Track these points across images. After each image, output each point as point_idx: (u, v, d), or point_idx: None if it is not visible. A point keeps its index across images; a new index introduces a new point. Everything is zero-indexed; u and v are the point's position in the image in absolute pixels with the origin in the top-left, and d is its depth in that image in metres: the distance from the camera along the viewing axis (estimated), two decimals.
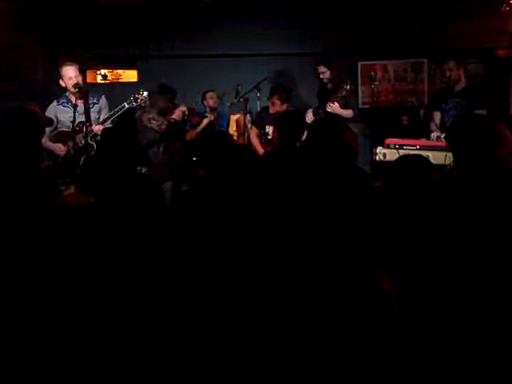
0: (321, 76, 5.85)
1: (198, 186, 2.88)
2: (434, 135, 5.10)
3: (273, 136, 4.29)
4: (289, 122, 3.84)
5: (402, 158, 2.62)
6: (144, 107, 5.17)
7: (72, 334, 1.75)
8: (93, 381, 1.68)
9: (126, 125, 4.98)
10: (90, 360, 1.71)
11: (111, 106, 4.73)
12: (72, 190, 3.43)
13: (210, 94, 6.42)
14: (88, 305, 1.87)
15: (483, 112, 4.96)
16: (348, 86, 5.46)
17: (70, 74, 4.59)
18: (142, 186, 3.26)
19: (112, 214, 2.66)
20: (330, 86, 5.83)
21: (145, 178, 4.16)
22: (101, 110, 4.72)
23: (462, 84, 5.24)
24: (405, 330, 1.48)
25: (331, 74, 5.81)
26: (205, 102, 6.45)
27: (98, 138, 4.64)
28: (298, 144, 3.63)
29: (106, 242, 2.32)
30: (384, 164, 4.92)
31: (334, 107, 5.52)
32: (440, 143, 4.79)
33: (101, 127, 4.53)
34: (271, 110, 5.74)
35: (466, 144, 2.62)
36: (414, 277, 2.04)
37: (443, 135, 4.92)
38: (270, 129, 5.68)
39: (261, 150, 5.63)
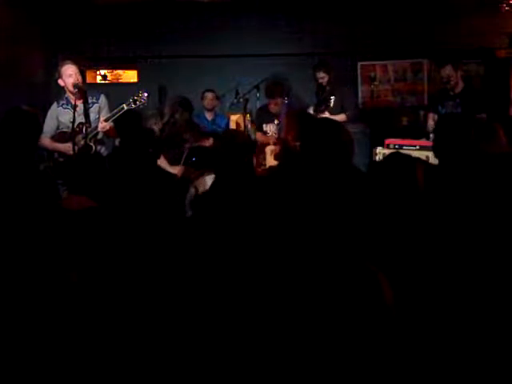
0: (320, 81, 5.86)
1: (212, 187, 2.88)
2: (433, 136, 5.10)
3: (286, 137, 4.23)
4: (308, 121, 3.83)
5: (388, 156, 2.64)
6: (152, 115, 5.20)
7: (78, 337, 1.76)
8: (93, 381, 1.69)
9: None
10: (92, 360, 1.72)
11: (111, 107, 4.72)
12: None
13: (206, 94, 6.42)
14: (92, 305, 1.87)
15: (483, 116, 4.97)
16: (332, 102, 5.48)
17: (69, 72, 4.57)
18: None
19: (130, 212, 2.68)
20: (328, 88, 5.84)
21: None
22: (100, 109, 4.70)
23: (460, 86, 5.24)
24: (403, 328, 1.48)
25: (330, 77, 5.83)
26: (203, 101, 6.47)
27: (100, 136, 4.64)
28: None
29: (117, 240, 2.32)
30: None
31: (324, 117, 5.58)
32: None
33: (105, 124, 4.52)
34: (274, 110, 5.77)
35: (447, 141, 2.67)
36: (411, 275, 2.05)
37: None
38: (267, 127, 5.78)
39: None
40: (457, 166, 2.69)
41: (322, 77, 5.83)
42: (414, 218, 2.30)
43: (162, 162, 5.00)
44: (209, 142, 5.79)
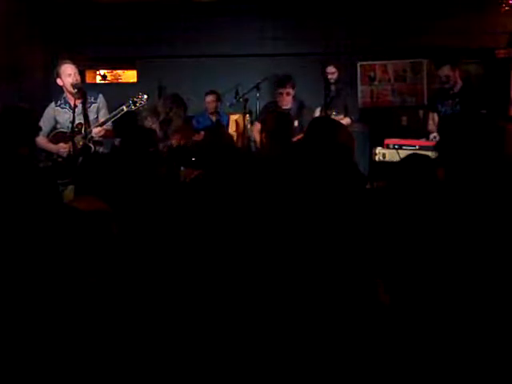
0: (329, 76, 5.79)
1: (195, 185, 2.88)
2: (432, 136, 5.11)
3: (261, 136, 4.25)
4: (280, 122, 3.84)
5: (406, 158, 2.61)
6: (148, 115, 5.20)
7: (82, 336, 1.76)
8: (93, 381, 1.69)
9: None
10: (91, 360, 1.72)
11: (110, 107, 4.71)
12: (70, 191, 3.42)
13: (207, 97, 6.41)
14: (91, 305, 1.87)
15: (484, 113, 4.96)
16: (334, 116, 5.44)
17: (68, 71, 4.56)
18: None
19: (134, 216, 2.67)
20: (333, 88, 5.80)
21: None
22: (99, 109, 4.67)
23: (458, 85, 5.24)
24: (403, 332, 1.48)
25: (339, 74, 5.79)
26: (205, 104, 6.47)
27: (97, 139, 4.63)
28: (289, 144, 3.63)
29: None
30: (384, 164, 4.92)
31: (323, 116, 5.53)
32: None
33: (99, 129, 4.51)
34: (283, 103, 5.66)
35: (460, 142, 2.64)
36: (414, 280, 2.04)
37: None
38: None
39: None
40: (465, 169, 2.66)
41: (333, 72, 5.74)
42: (437, 219, 2.26)
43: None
44: (199, 137, 5.82)
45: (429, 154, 4.29)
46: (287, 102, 5.66)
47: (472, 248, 2.16)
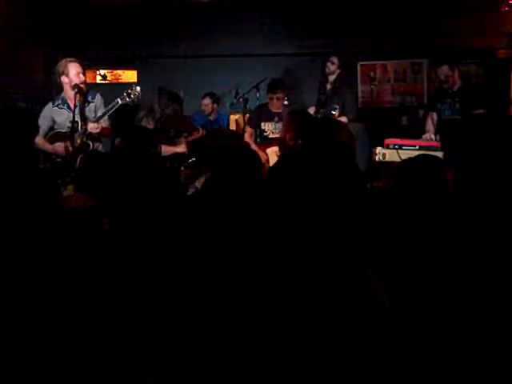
0: (327, 64, 5.78)
1: (204, 186, 2.88)
2: (426, 136, 5.13)
3: (284, 136, 4.23)
4: (306, 121, 3.84)
5: (415, 158, 2.55)
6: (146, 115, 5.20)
7: (77, 333, 1.76)
8: (92, 380, 1.69)
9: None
10: (89, 359, 1.72)
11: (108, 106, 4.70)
12: (70, 190, 3.43)
13: (203, 100, 6.42)
14: (88, 306, 1.87)
15: (481, 112, 4.99)
16: (337, 113, 5.44)
17: (77, 70, 4.54)
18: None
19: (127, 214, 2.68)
20: (328, 86, 5.80)
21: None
22: (96, 108, 4.66)
23: (457, 85, 5.26)
24: (400, 334, 1.48)
25: (340, 73, 5.78)
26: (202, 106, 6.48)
27: (94, 135, 4.62)
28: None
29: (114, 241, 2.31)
30: (385, 164, 4.93)
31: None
32: (437, 143, 4.84)
33: (96, 125, 4.49)
34: (274, 108, 5.67)
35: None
36: (413, 281, 2.04)
37: (435, 135, 5.01)
38: (266, 126, 5.69)
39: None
40: None
41: (334, 63, 5.72)
42: (445, 222, 2.25)
43: (166, 149, 4.99)
44: (199, 134, 5.80)
45: (432, 153, 4.33)
46: (278, 107, 5.67)
47: (480, 254, 2.16)
